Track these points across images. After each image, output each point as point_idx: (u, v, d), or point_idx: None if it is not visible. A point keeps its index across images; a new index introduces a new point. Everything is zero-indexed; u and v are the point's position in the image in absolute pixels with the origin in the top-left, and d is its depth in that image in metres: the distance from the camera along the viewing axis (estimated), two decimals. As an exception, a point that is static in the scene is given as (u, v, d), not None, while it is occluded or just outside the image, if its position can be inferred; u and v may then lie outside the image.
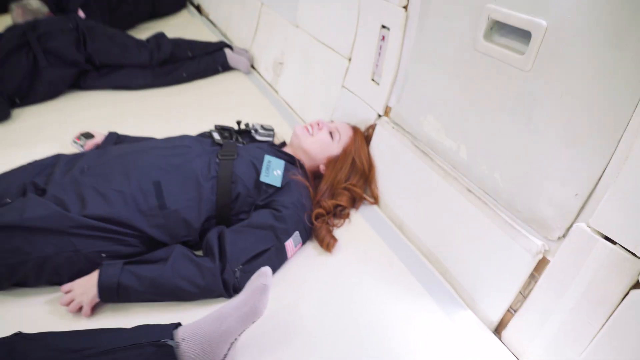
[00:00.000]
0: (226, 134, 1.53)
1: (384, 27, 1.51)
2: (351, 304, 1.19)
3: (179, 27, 3.24)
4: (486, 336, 1.10)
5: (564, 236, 0.99)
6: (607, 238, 0.89)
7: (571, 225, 0.97)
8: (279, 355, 1.06)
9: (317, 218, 1.39)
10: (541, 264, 1.03)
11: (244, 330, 1.01)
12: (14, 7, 2.70)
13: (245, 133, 1.60)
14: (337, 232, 1.41)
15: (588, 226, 0.92)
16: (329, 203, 1.44)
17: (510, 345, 1.08)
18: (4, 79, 2.08)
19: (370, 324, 1.13)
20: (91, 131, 1.79)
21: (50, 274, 1.19)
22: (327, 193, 1.48)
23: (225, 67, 2.55)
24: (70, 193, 1.25)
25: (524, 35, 1.04)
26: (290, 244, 1.30)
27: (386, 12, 1.48)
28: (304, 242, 1.37)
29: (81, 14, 2.90)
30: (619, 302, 0.86)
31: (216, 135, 1.49)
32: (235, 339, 1.01)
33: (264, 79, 2.48)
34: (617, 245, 0.87)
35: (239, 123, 1.60)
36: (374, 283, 1.24)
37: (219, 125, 1.56)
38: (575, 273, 0.94)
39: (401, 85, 1.47)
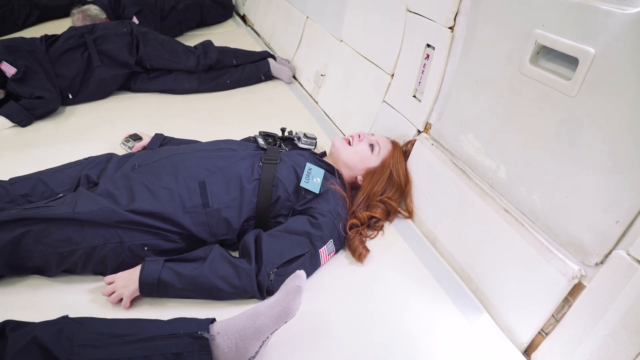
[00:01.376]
0: (270, 140, 1.59)
1: (429, 46, 1.55)
2: (379, 314, 1.21)
3: (225, 35, 3.36)
4: (516, 357, 1.10)
5: (602, 262, 0.99)
6: (647, 268, 0.88)
7: (610, 252, 0.97)
8: (305, 357, 1.08)
9: (351, 228, 1.43)
10: (576, 289, 1.03)
11: (276, 329, 1.04)
12: (75, 12, 2.89)
13: (288, 140, 1.65)
14: (369, 244, 1.43)
15: (628, 254, 0.92)
16: (364, 214, 1.47)
17: (539, 369, 1.08)
18: (59, 74, 2.23)
19: (397, 336, 1.15)
20: (139, 133, 1.89)
21: (96, 264, 1.26)
22: (363, 204, 1.51)
23: (268, 77, 2.63)
24: (121, 187, 1.32)
25: (571, 61, 1.05)
26: (324, 251, 1.34)
27: (432, 31, 1.51)
28: (337, 251, 1.40)
29: (135, 20, 3.07)
30: (657, 332, 0.85)
31: (261, 141, 1.55)
32: (267, 337, 1.05)
33: (305, 90, 2.55)
34: (657, 275, 0.87)
35: (283, 130, 1.65)
36: (403, 296, 1.26)
37: (264, 132, 1.62)
38: (612, 300, 0.93)
39: (443, 103, 1.49)
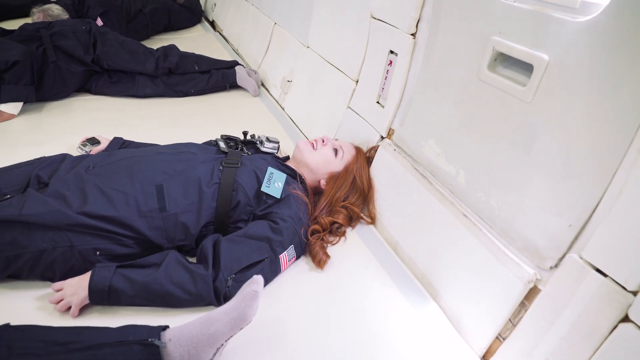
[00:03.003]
0: (232, 144, 1.55)
1: (392, 52, 1.56)
2: (338, 320, 1.19)
3: (192, 40, 3.32)
4: (474, 363, 1.10)
5: (556, 266, 1.00)
6: (598, 270, 0.90)
7: (564, 256, 0.98)
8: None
9: (312, 234, 1.40)
10: (532, 293, 1.04)
11: (232, 336, 1.01)
12: (35, 11, 2.79)
13: (250, 144, 1.62)
14: (331, 250, 1.41)
15: (580, 257, 0.93)
16: (325, 220, 1.45)
17: (497, 374, 1.08)
18: None
19: (355, 342, 1.13)
20: (97, 136, 1.82)
21: (44, 269, 1.20)
22: (326, 210, 1.49)
23: (234, 86, 2.59)
24: (73, 189, 1.26)
25: (527, 68, 1.07)
26: (284, 257, 1.31)
27: (395, 38, 1.52)
28: (298, 257, 1.38)
29: (99, 22, 2.99)
30: (608, 334, 0.86)
31: (222, 144, 1.51)
32: (222, 345, 1.01)
33: (272, 96, 2.53)
34: (607, 277, 0.88)
35: (245, 134, 1.62)
36: (363, 302, 1.24)
37: (225, 135, 1.58)
38: (566, 303, 0.94)
39: (405, 109, 1.50)
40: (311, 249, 1.38)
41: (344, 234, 1.48)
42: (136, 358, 0.95)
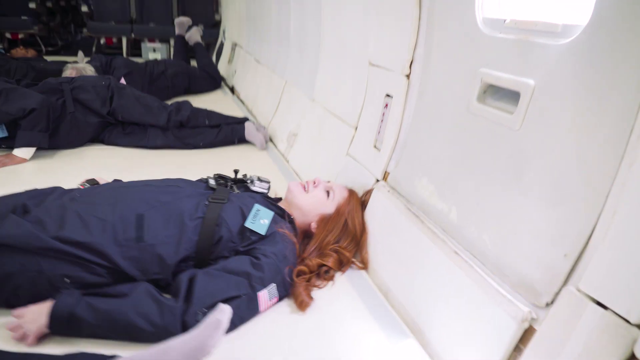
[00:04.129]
0: (222, 182, 1.53)
1: (388, 95, 1.56)
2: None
3: (210, 101, 3.44)
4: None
5: (552, 302, 0.89)
6: (598, 303, 0.79)
7: (560, 290, 0.87)
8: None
9: (298, 275, 1.32)
10: (528, 335, 0.91)
11: (189, 369, 0.91)
12: (68, 67, 2.99)
13: (241, 182, 1.59)
14: (317, 293, 1.31)
15: (578, 290, 0.83)
16: (314, 262, 1.37)
17: None
18: None
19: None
20: (97, 178, 1.83)
21: (9, 294, 1.15)
22: (315, 253, 1.42)
23: (242, 141, 2.64)
24: (53, 216, 1.24)
25: (514, 96, 1.04)
26: (264, 295, 1.22)
27: (390, 81, 1.53)
28: (281, 298, 1.28)
29: (123, 81, 3.16)
30: (612, 378, 0.74)
31: (211, 181, 1.49)
32: (177, 379, 0.91)
33: (278, 150, 2.54)
34: (608, 310, 0.77)
35: (236, 172, 1.61)
36: (343, 348, 1.13)
37: (218, 174, 1.57)
38: (564, 343, 0.82)
39: (400, 150, 1.46)
40: (294, 289, 1.29)
41: (332, 278, 1.39)
42: (81, 388, 0.86)
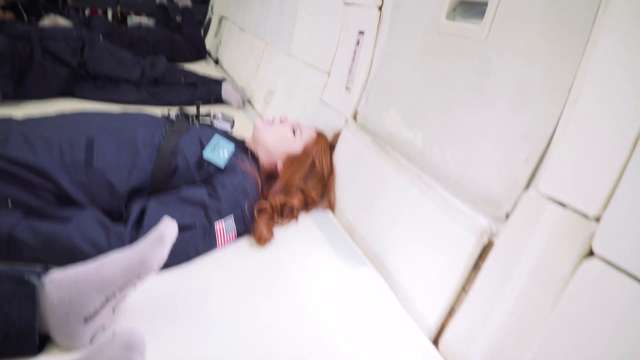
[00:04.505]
0: (183, 116, 1.46)
1: (360, 32, 1.49)
2: (268, 293, 1.01)
3: (192, 68, 3.35)
4: (423, 348, 0.89)
5: (512, 212, 0.83)
6: (558, 203, 0.73)
7: (520, 197, 0.81)
8: (167, 333, 0.87)
9: (259, 212, 1.25)
10: (488, 251, 0.86)
11: (127, 285, 0.83)
12: (46, 18, 2.90)
13: (202, 118, 1.52)
14: (279, 231, 1.25)
15: (537, 192, 0.77)
16: (277, 200, 1.30)
17: (447, 356, 0.87)
18: None
19: (285, 313, 0.94)
20: None
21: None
22: (280, 192, 1.35)
23: (218, 100, 2.55)
24: None
25: (483, 9, 0.97)
26: (220, 227, 1.15)
27: (363, 16, 1.46)
28: (239, 234, 1.21)
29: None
30: (570, 277, 0.68)
31: (172, 114, 1.42)
32: (114, 293, 0.83)
33: (255, 110, 2.47)
34: (567, 208, 0.71)
35: (198, 106, 1.52)
36: (300, 278, 1.06)
37: (182, 109, 1.49)
38: (522, 251, 0.76)
39: (370, 87, 1.40)
40: (254, 225, 1.22)
41: (296, 217, 1.32)
42: (4, 297, 0.79)
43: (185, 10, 3.97)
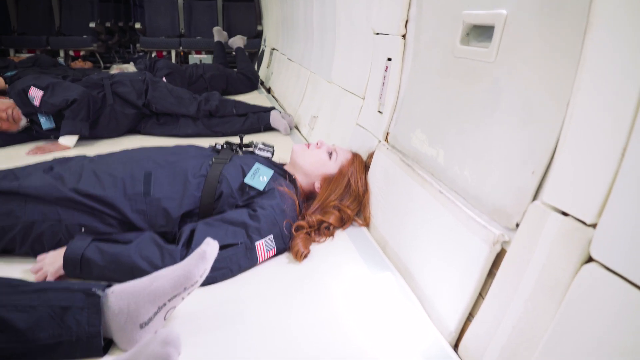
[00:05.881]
0: (227, 146, 1.61)
1: (389, 59, 1.58)
2: (303, 305, 1.10)
3: (246, 100, 3.58)
4: (444, 353, 0.94)
5: (522, 221, 0.87)
6: (560, 212, 0.77)
7: (528, 207, 0.86)
8: (210, 339, 0.99)
9: (297, 230, 1.36)
10: (501, 259, 0.90)
11: (176, 296, 0.97)
12: (114, 67, 3.26)
13: (246, 147, 1.66)
14: (316, 247, 1.35)
15: (542, 203, 0.81)
16: (314, 218, 1.41)
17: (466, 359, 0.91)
18: None
19: (318, 325, 1.03)
20: None
21: (34, 241, 1.27)
22: (317, 211, 1.45)
23: (267, 128, 2.73)
24: (73, 172, 1.36)
25: (491, 31, 1.04)
26: (261, 246, 1.27)
27: (390, 44, 1.55)
28: (279, 251, 1.32)
29: (164, 80, 3.38)
30: (571, 282, 0.72)
31: (218, 146, 1.57)
32: (165, 304, 0.97)
33: (301, 134, 2.61)
34: (568, 216, 0.75)
35: (241, 137, 1.68)
36: (334, 291, 1.15)
37: (226, 141, 1.65)
38: (530, 259, 0.81)
39: (399, 109, 1.48)
40: (292, 242, 1.33)
41: (332, 234, 1.42)
42: (77, 305, 0.95)
43: (238, 50, 4.35)
